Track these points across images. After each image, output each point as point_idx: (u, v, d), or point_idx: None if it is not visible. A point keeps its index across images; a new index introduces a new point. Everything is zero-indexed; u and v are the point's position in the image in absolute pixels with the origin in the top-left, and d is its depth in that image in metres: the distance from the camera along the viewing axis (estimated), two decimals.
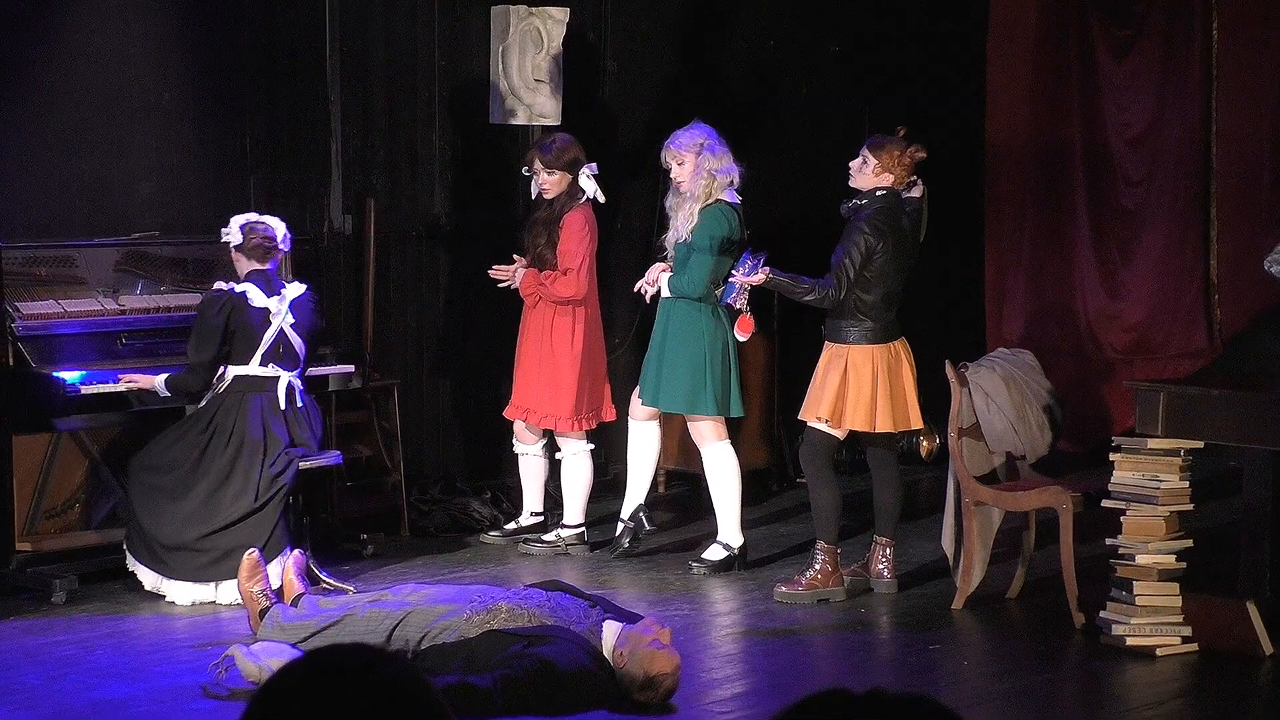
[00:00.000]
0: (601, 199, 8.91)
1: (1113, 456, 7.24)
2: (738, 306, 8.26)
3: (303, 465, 8.14)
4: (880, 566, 8.23)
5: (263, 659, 6.41)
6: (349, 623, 6.79)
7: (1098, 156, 11.68)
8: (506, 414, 9.19)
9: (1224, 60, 11.19)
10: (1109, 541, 7.20)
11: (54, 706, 6.39)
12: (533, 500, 9.36)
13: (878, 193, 8.13)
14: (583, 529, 9.08)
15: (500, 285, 9.08)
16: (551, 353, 8.93)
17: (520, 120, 10.17)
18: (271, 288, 8.10)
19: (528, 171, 8.96)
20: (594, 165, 8.90)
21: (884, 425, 8.10)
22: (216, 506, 7.91)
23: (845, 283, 8.03)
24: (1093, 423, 11.13)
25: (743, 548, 8.68)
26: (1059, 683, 7.06)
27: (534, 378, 8.97)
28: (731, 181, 8.58)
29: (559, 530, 9.09)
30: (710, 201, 8.51)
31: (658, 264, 8.77)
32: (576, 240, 8.81)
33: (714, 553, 8.66)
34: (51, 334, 8.06)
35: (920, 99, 11.81)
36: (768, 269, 8.01)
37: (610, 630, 6.53)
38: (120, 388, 7.96)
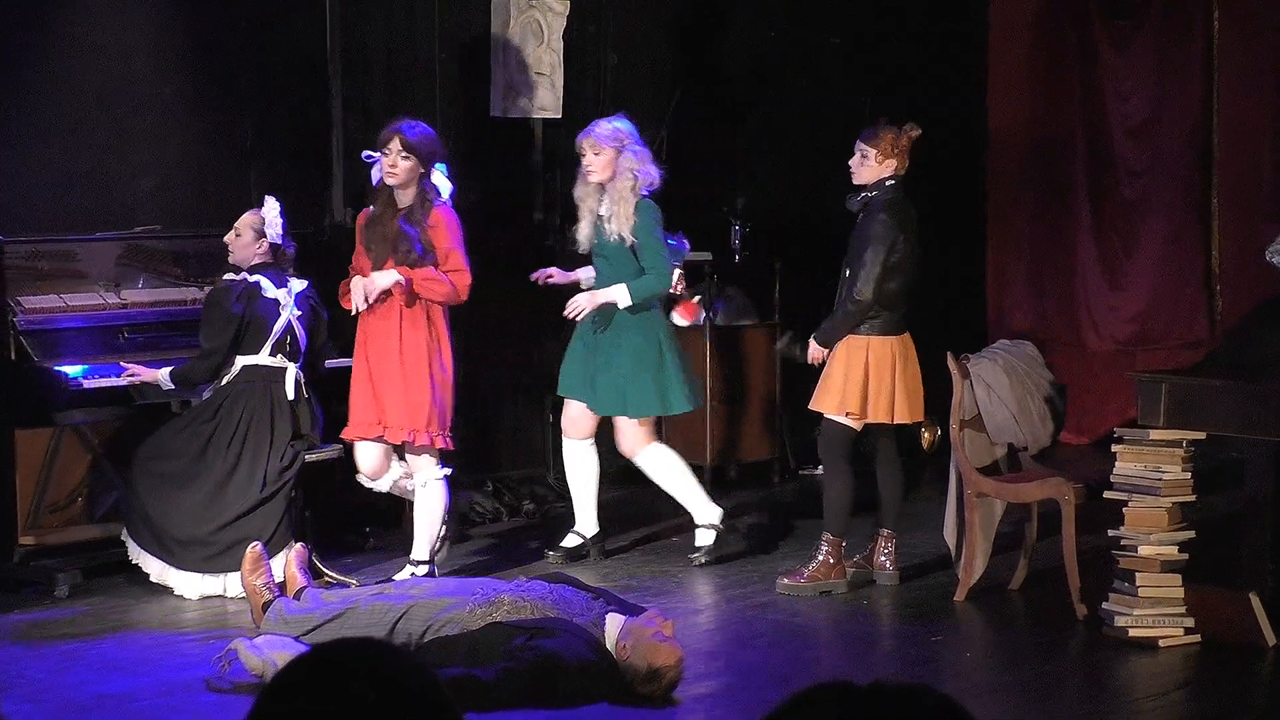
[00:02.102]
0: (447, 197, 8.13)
1: (1115, 448, 7.23)
2: (678, 292, 8.33)
3: (307, 458, 8.15)
4: (882, 559, 8.23)
5: (266, 652, 6.42)
6: (352, 616, 6.79)
7: (1099, 147, 11.69)
8: (355, 435, 8.02)
9: (1224, 50, 11.19)
10: (1111, 533, 7.20)
11: (58, 700, 6.40)
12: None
13: (886, 183, 8.13)
14: (433, 566, 8.07)
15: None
16: (424, 359, 7.94)
17: (521, 113, 10.17)
18: (280, 280, 8.14)
19: (378, 153, 7.92)
20: (445, 164, 8.11)
21: (901, 417, 8.12)
22: (224, 498, 7.92)
23: (874, 279, 8.02)
24: (1094, 414, 11.14)
25: (721, 517, 8.68)
26: (1061, 674, 7.06)
27: (400, 388, 7.90)
28: (651, 184, 8.38)
29: (411, 567, 8.05)
30: (637, 198, 8.35)
31: (582, 294, 8.45)
32: (456, 238, 7.97)
33: (704, 537, 8.61)
34: (53, 328, 8.06)
35: (921, 91, 11.81)
36: (815, 343, 8.15)
37: (613, 623, 6.53)
38: (123, 381, 7.97)
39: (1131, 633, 7.12)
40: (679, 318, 8.60)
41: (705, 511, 8.66)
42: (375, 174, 8.01)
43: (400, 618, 6.72)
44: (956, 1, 12.10)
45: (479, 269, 10.26)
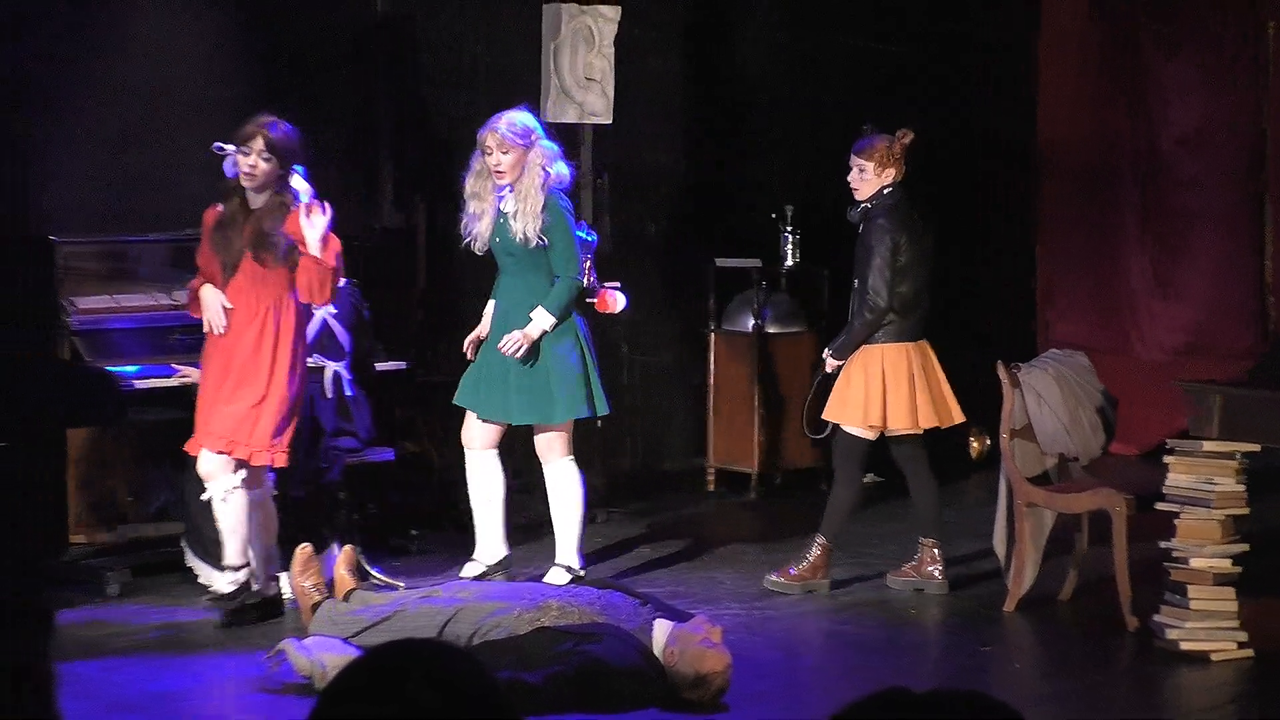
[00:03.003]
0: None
1: (1166, 459, 7.18)
2: (586, 284, 8.09)
3: (352, 461, 8.16)
4: (930, 568, 8.20)
5: (315, 653, 6.43)
6: (400, 618, 6.80)
7: (1149, 156, 11.63)
8: (217, 448, 7.38)
9: (1276, 59, 11.12)
10: (1163, 544, 7.15)
11: (110, 698, 6.43)
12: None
13: (885, 190, 8.14)
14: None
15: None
16: (289, 372, 7.42)
17: (571, 119, 10.17)
18: None
19: (237, 149, 7.38)
20: (304, 167, 7.61)
21: (928, 422, 8.11)
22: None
23: (885, 287, 8.03)
24: (1143, 424, 11.08)
25: (581, 566, 8.11)
26: (1111, 686, 7.02)
27: (249, 400, 7.35)
28: (562, 181, 7.98)
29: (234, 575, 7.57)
30: (545, 195, 7.85)
31: (515, 333, 7.82)
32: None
33: (557, 576, 7.99)
34: (105, 328, 8.10)
35: (969, 101, 11.79)
36: (831, 358, 8.08)
37: (661, 629, 6.52)
38: (174, 382, 7.99)
39: (1183, 646, 7.06)
40: (612, 307, 8.38)
41: (570, 554, 8.08)
42: (229, 168, 7.46)
43: (448, 621, 6.72)
44: (1005, 11, 12.04)
45: None
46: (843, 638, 7.48)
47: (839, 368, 8.17)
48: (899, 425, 8.09)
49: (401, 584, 7.87)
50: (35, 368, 7.91)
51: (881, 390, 8.06)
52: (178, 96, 8.90)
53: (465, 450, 8.12)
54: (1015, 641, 7.62)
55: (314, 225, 7.30)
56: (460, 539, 9.16)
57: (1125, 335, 11.73)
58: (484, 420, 8.02)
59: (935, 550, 8.21)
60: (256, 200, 7.39)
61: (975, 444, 11.43)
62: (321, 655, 6.40)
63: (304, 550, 7.29)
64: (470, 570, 8.05)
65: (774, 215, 10.80)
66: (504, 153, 7.81)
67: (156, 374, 8.01)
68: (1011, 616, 7.80)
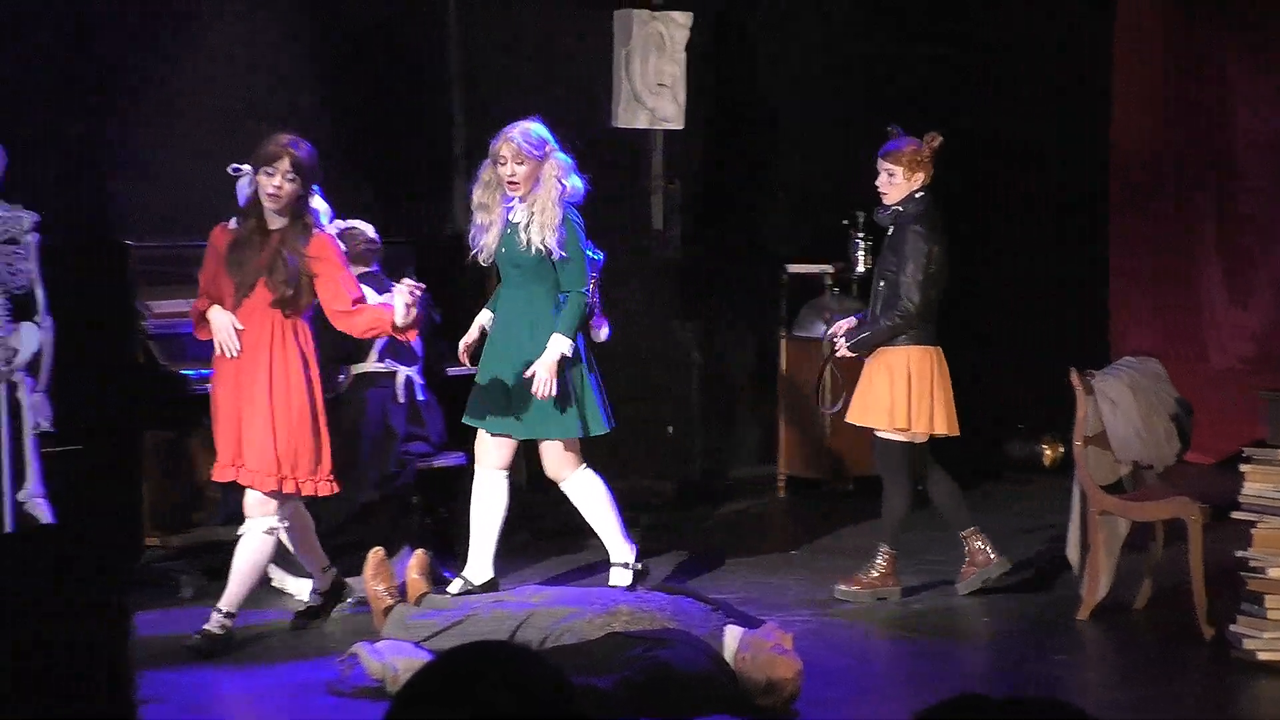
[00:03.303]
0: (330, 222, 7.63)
1: (1242, 468, 7.12)
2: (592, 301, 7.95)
3: (423, 465, 8.18)
4: (983, 556, 8.17)
5: (387, 657, 6.45)
6: (472, 623, 6.81)
7: (1224, 162, 11.55)
8: (242, 479, 7.22)
9: None
10: (1239, 554, 7.08)
11: (182, 699, 6.47)
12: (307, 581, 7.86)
13: (915, 195, 8.10)
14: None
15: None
16: (307, 395, 7.25)
17: (643, 124, 10.19)
18: (383, 285, 8.15)
19: (259, 170, 7.17)
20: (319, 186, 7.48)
21: (940, 429, 8.19)
22: (337, 503, 7.96)
23: (919, 293, 8.01)
24: (1218, 432, 10.99)
25: (637, 555, 8.06)
26: (1187, 696, 6.96)
27: (269, 427, 7.16)
28: (576, 194, 7.84)
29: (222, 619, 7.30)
30: (562, 209, 7.74)
31: (537, 368, 7.63)
32: (346, 263, 7.34)
33: (619, 577, 7.99)
34: (180, 332, 8.13)
35: (1044, 106, 11.73)
36: (843, 340, 8.02)
37: (732, 634, 6.51)
38: None
39: (1260, 656, 7.00)
40: (601, 334, 8.18)
41: (620, 550, 8.05)
42: (244, 190, 7.29)
43: (520, 625, 6.73)
44: (1079, 17, 11.98)
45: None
46: (914, 645, 7.45)
47: (845, 357, 8.15)
48: (919, 428, 8.07)
49: (474, 588, 7.88)
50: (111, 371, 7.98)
51: (907, 393, 8.04)
52: (252, 103, 8.96)
53: (476, 466, 7.95)
54: (1089, 650, 7.57)
55: (408, 310, 7.07)
56: (533, 544, 9.19)
57: (1200, 343, 11.65)
58: (494, 435, 7.86)
59: (978, 539, 8.16)
60: (276, 221, 7.18)
61: (1049, 452, 11.37)
62: (393, 659, 6.42)
63: (376, 554, 7.32)
64: (454, 588, 7.80)
65: (845, 221, 10.78)
66: (519, 164, 7.67)
67: None
68: (1085, 625, 7.75)
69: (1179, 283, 11.77)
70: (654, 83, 10.16)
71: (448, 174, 9.73)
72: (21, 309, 7.63)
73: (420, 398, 8.25)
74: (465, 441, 9.06)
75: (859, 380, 8.23)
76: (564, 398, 7.72)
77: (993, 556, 8.17)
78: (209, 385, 7.36)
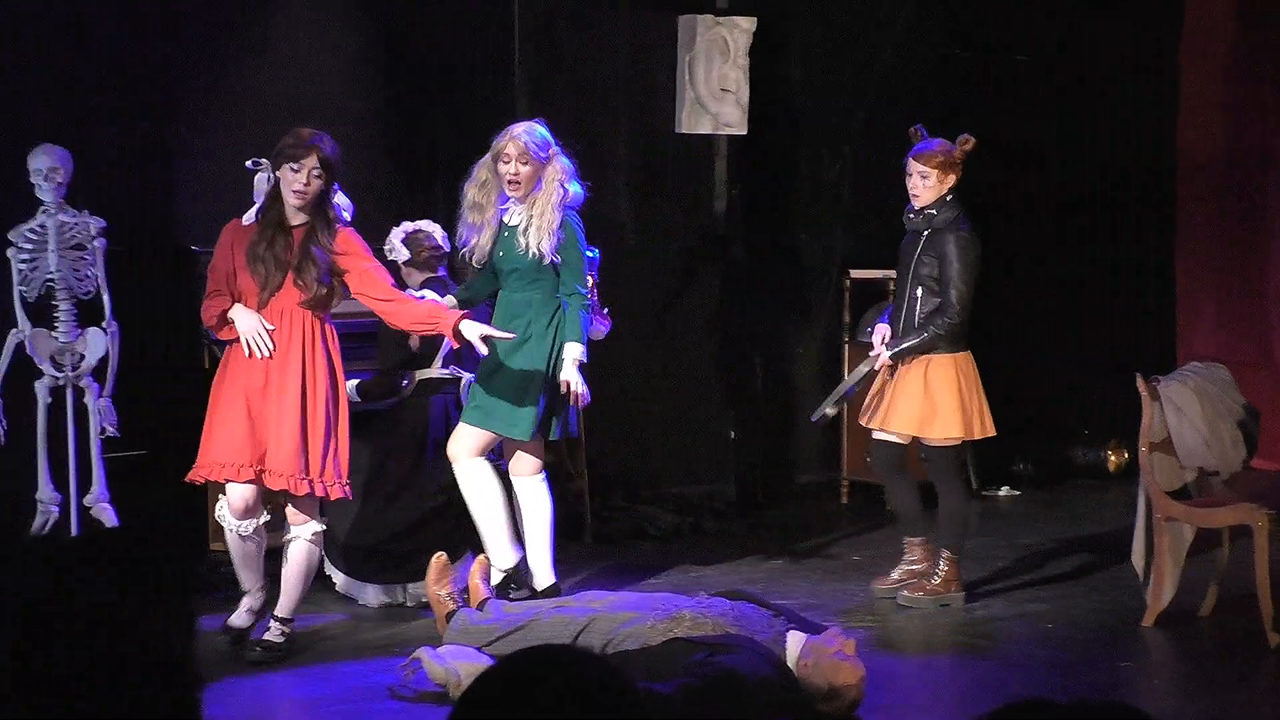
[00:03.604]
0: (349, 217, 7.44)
1: None
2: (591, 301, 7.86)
3: None
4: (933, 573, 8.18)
5: (449, 662, 6.46)
6: (534, 628, 6.82)
7: None
8: (273, 483, 7.08)
9: None
10: None
11: (246, 704, 6.50)
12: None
13: (947, 198, 8.05)
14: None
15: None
16: (332, 396, 7.14)
17: (706, 129, 10.18)
18: (448, 290, 8.16)
19: (285, 165, 7.00)
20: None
21: (987, 430, 8.14)
22: (397, 508, 7.99)
23: (968, 300, 7.97)
24: None
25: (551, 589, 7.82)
26: (1252, 704, 6.91)
27: (295, 429, 7.03)
28: (577, 199, 7.72)
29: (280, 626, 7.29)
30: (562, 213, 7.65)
31: (568, 376, 7.59)
32: (372, 255, 7.23)
33: (541, 584, 7.83)
34: None
35: (1109, 110, 11.67)
36: (884, 352, 7.96)
37: (794, 640, 6.50)
38: None
39: None
40: (601, 332, 8.17)
41: (541, 571, 7.86)
42: (262, 185, 7.21)
43: (581, 631, 6.74)
44: (1145, 20, 11.91)
45: (664, 283, 10.34)
46: (977, 651, 7.42)
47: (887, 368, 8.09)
48: (980, 433, 8.11)
49: (535, 593, 7.89)
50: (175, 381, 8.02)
51: (961, 400, 8.03)
52: (316, 107, 8.99)
53: (452, 463, 7.81)
54: (1154, 657, 7.52)
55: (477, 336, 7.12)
56: (597, 549, 9.20)
57: (1267, 348, 11.56)
58: (467, 422, 7.77)
59: (950, 564, 8.14)
60: (297, 217, 7.04)
61: (1114, 457, 11.31)
62: (455, 664, 6.43)
63: (439, 559, 7.34)
64: (493, 579, 7.69)
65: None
66: (523, 164, 7.56)
67: None
68: (1150, 632, 7.70)
69: (1246, 287, 11.68)
70: (717, 88, 10.15)
71: None
72: (88, 314, 7.69)
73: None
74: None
75: (894, 389, 8.12)
76: (534, 401, 7.62)
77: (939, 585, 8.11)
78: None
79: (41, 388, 7.61)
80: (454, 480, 8.03)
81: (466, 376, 8.18)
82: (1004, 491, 11.05)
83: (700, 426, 10.51)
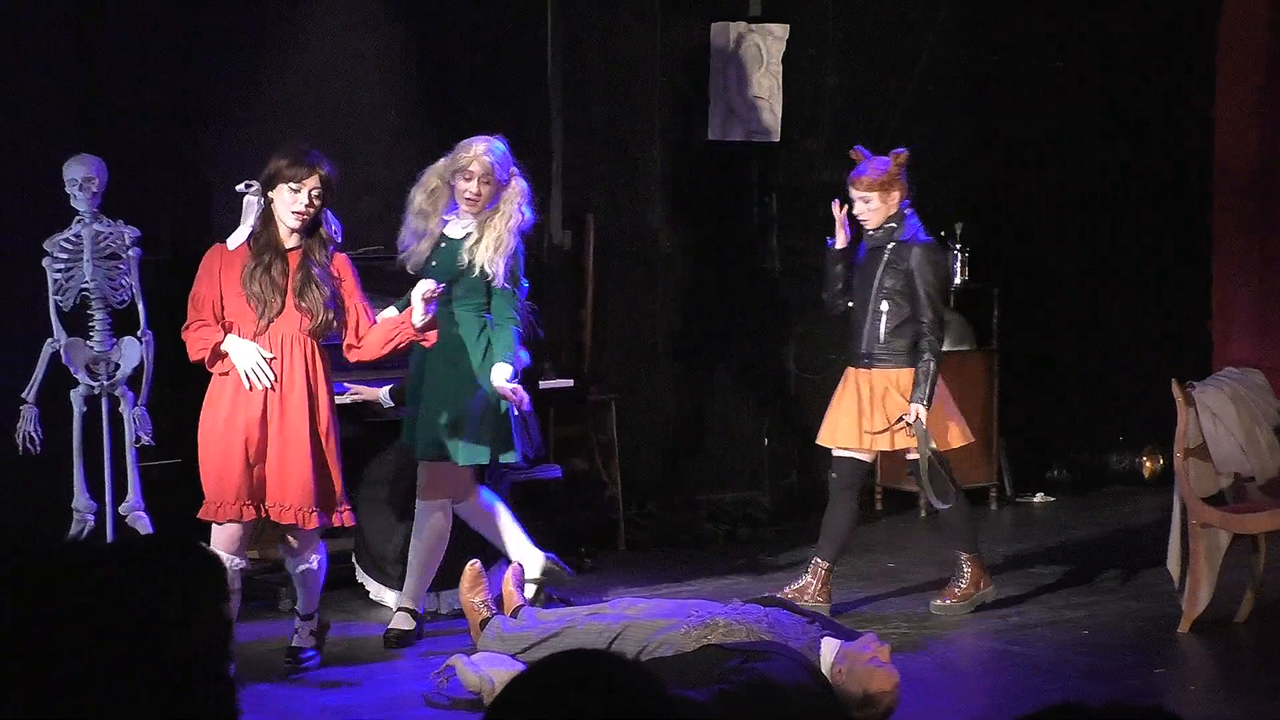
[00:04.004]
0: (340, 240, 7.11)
1: None
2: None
3: (518, 479, 8.19)
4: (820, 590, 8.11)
5: (483, 669, 6.46)
6: (568, 635, 6.82)
7: None
8: (284, 518, 6.86)
9: None
10: None
11: (279, 711, 6.51)
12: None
13: (900, 213, 8.00)
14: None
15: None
16: (335, 421, 6.95)
17: (739, 137, 10.18)
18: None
19: (284, 185, 6.77)
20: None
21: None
22: None
23: (942, 312, 7.95)
24: None
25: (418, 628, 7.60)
26: None
27: (310, 460, 6.80)
28: (525, 224, 7.50)
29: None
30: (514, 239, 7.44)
31: (504, 388, 7.30)
32: (360, 286, 7.03)
33: (401, 620, 7.59)
34: None
35: (1145, 116, 11.63)
36: (917, 409, 7.83)
37: (828, 647, 6.49)
38: (346, 399, 8.06)
39: None
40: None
41: (408, 595, 7.60)
42: (253, 208, 6.81)
43: (615, 638, 6.73)
44: (1181, 26, 11.86)
45: (697, 290, 10.36)
46: (1012, 657, 7.40)
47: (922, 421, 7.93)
48: (968, 440, 8.11)
49: (569, 600, 7.90)
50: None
51: (946, 411, 7.99)
52: (350, 116, 9.02)
53: (436, 510, 7.59)
54: (1190, 663, 7.49)
55: (426, 308, 6.81)
56: (631, 556, 9.20)
57: None
58: (424, 459, 7.53)
59: (973, 564, 8.10)
60: (291, 239, 6.79)
61: (1149, 463, 11.27)
62: (489, 671, 6.44)
63: (473, 567, 7.34)
64: (529, 593, 7.51)
65: (942, 233, 10.73)
66: (485, 184, 7.33)
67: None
68: (1186, 638, 7.67)
69: None
70: (750, 95, 10.15)
71: (546, 190, 9.75)
72: (123, 323, 7.71)
73: (515, 414, 8.23)
74: (560, 453, 9.10)
75: (869, 407, 8.03)
76: (470, 425, 7.37)
77: (818, 601, 8.04)
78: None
79: (77, 397, 7.64)
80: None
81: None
82: (1039, 498, 11.02)
83: (734, 433, 10.50)
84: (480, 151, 7.37)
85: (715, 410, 10.43)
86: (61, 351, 7.61)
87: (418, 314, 6.81)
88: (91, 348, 7.66)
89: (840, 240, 8.17)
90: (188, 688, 1.74)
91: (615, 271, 9.95)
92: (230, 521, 6.80)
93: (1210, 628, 7.75)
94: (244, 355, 6.73)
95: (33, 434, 7.56)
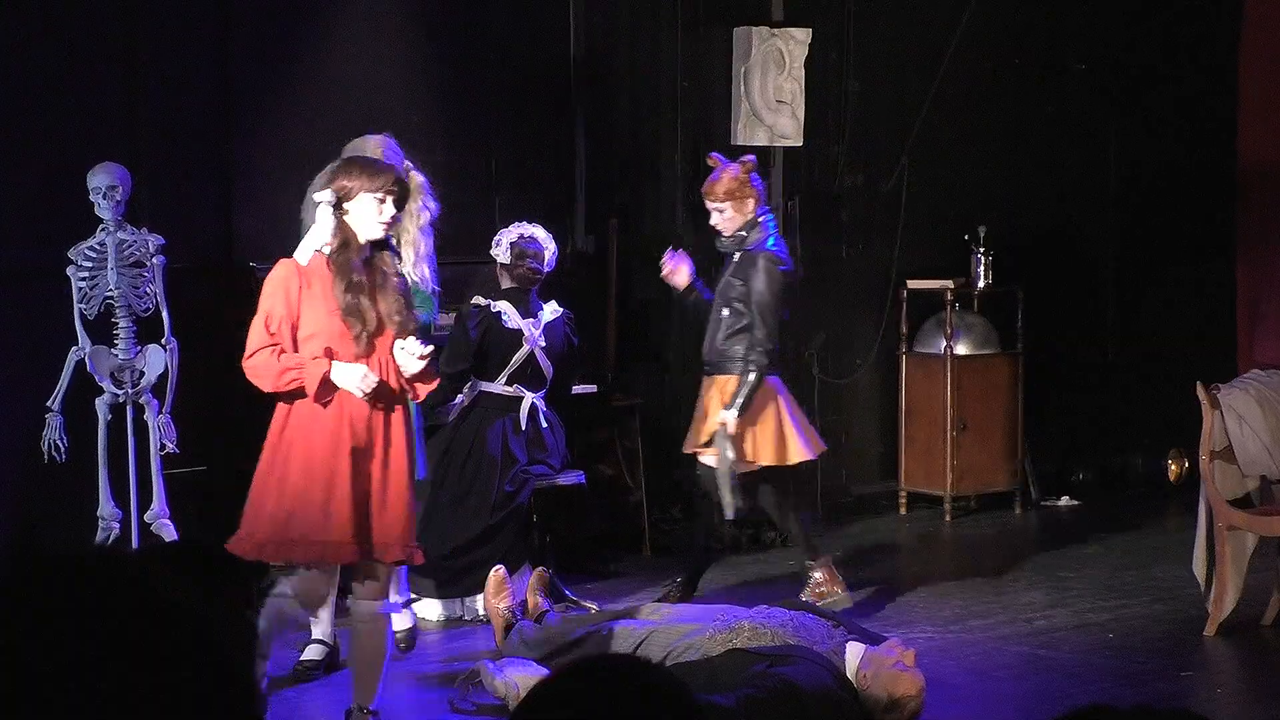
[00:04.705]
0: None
1: None
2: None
3: (543, 484, 8.20)
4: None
5: (508, 674, 6.47)
6: (593, 640, 6.82)
7: None
8: (387, 557, 6.05)
9: None
10: None
11: (305, 714, 6.52)
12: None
13: (759, 219, 7.94)
14: None
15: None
16: (405, 461, 6.11)
17: (762, 141, 10.18)
18: (529, 309, 8.15)
19: (371, 195, 5.99)
20: None
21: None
22: (455, 523, 8.00)
23: (775, 325, 7.87)
24: None
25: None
26: None
27: (399, 496, 6.04)
28: (433, 217, 7.22)
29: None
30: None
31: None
32: None
33: (313, 651, 7.11)
34: None
35: (1168, 117, 11.61)
36: (728, 415, 7.73)
37: (854, 651, 6.48)
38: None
39: None
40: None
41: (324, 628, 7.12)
42: (326, 218, 6.06)
43: (641, 643, 6.74)
44: (1205, 28, 11.84)
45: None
46: (1038, 661, 7.38)
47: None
48: (802, 456, 8.02)
49: (594, 606, 7.90)
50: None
51: (781, 424, 7.96)
52: (374, 123, 9.01)
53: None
54: (1216, 667, 7.47)
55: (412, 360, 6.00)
56: (656, 561, 9.19)
57: None
58: None
59: (824, 570, 8.09)
60: (365, 251, 6.04)
61: (1174, 466, 11.24)
62: (514, 676, 6.44)
63: (497, 573, 7.35)
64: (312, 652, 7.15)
65: (966, 236, 10.72)
66: (399, 207, 6.18)
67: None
68: (1212, 641, 7.66)
69: None
70: (773, 99, 10.15)
71: (570, 195, 9.77)
72: (147, 331, 7.73)
73: (541, 424, 8.23)
74: (585, 459, 9.09)
75: (706, 414, 7.96)
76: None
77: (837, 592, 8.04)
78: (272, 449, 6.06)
79: (102, 405, 7.66)
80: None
81: (529, 396, 8.14)
82: (1064, 501, 10.99)
83: None
84: (404, 171, 6.54)
85: None
86: (86, 360, 7.63)
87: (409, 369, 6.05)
88: (116, 356, 7.67)
89: (681, 280, 8.11)
90: (212, 694, 1.74)
91: (639, 276, 9.95)
92: (331, 564, 6.12)
93: (1237, 631, 7.73)
94: (358, 380, 5.91)
95: (58, 442, 7.58)
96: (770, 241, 7.94)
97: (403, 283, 6.14)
